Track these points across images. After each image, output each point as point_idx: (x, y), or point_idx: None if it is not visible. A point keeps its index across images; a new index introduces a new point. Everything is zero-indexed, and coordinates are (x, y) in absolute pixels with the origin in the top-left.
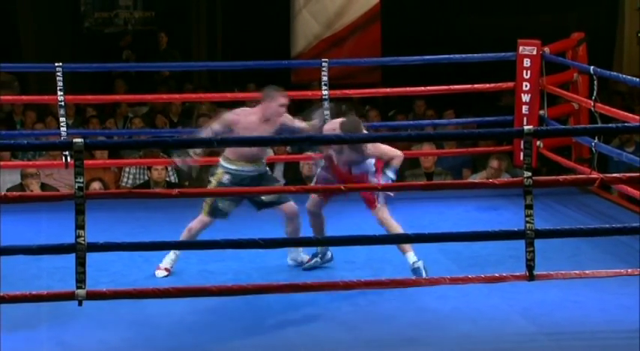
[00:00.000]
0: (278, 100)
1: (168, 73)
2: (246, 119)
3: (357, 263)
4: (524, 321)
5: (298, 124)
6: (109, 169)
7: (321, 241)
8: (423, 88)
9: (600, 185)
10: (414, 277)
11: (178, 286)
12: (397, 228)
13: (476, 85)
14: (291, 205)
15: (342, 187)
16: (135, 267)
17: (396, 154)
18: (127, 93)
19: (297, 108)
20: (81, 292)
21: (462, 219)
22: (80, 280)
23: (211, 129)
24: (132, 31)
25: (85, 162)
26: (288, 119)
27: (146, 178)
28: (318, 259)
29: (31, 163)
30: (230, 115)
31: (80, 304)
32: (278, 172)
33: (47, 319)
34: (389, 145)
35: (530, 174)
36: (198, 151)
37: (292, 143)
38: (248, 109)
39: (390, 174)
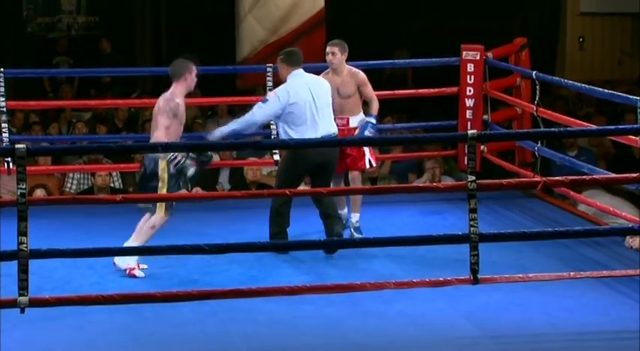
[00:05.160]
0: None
1: (110, 79)
2: None
3: (303, 268)
4: (468, 324)
5: None
6: (52, 175)
7: (264, 246)
8: None
9: (543, 189)
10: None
11: (123, 292)
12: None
13: (420, 90)
14: None
15: (287, 192)
16: (79, 273)
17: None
18: (72, 99)
19: (243, 113)
20: (23, 299)
21: (407, 223)
22: (22, 287)
23: None
24: (75, 36)
25: (28, 168)
26: None
27: (90, 183)
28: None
29: None
30: None
31: (23, 311)
32: (224, 177)
33: None
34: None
35: (474, 178)
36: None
37: (238, 148)
38: None
39: (373, 119)
